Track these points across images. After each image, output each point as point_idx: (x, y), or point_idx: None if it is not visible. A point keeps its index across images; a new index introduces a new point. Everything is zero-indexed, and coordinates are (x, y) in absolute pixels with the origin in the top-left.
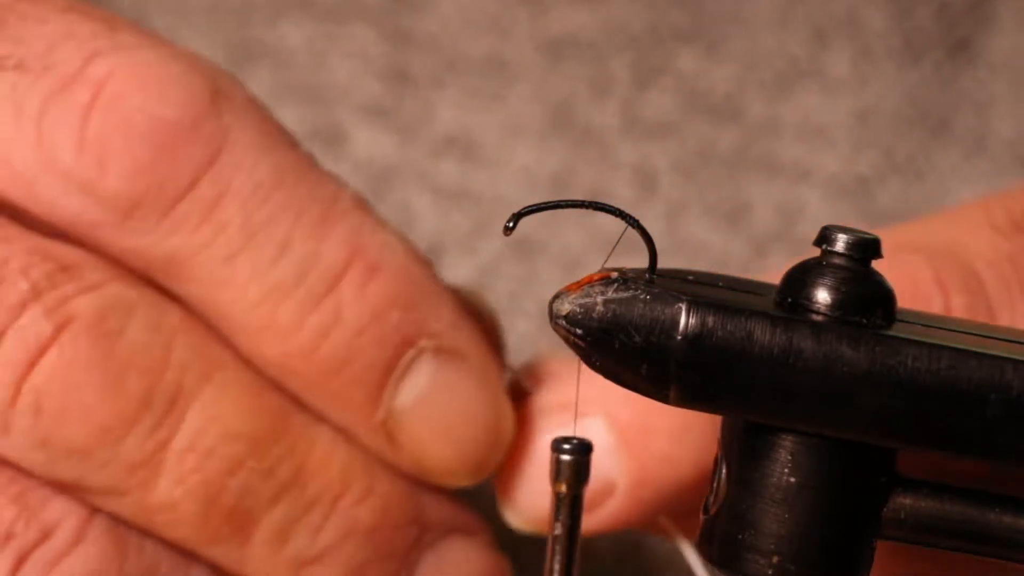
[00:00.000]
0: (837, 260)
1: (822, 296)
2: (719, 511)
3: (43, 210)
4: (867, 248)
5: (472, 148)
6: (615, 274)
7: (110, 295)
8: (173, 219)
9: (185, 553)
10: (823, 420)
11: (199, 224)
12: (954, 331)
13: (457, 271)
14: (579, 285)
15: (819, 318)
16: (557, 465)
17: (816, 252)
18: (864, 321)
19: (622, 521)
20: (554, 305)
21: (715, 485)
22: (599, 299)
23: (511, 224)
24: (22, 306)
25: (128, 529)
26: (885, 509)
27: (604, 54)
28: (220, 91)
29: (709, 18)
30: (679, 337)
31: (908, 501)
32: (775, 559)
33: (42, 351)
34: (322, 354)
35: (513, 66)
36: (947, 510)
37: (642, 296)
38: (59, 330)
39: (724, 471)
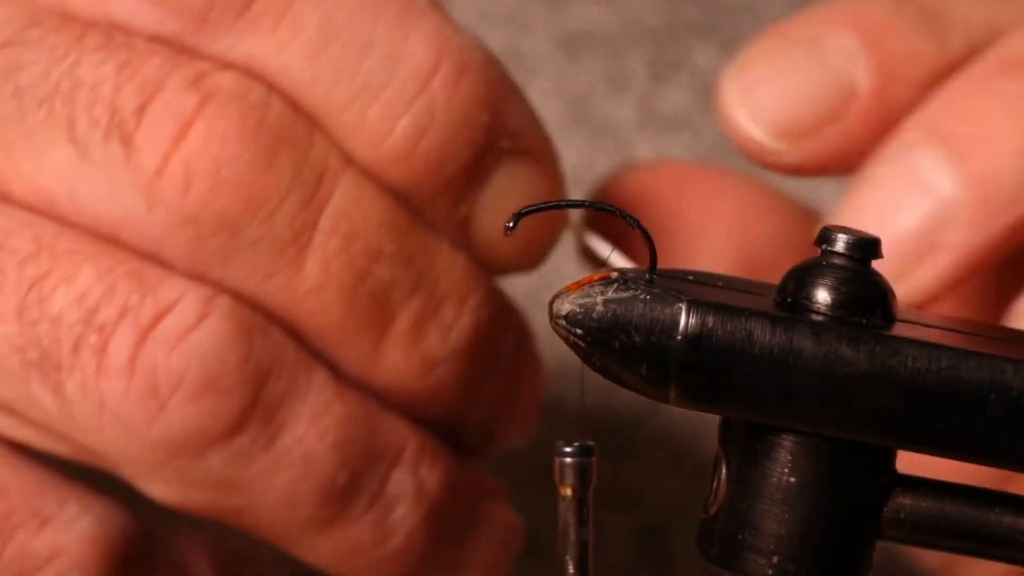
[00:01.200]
0: (837, 260)
1: (822, 296)
2: (719, 511)
3: (125, 23)
4: (867, 248)
5: None
6: (615, 274)
7: (243, 76)
8: (248, 20)
9: (310, 352)
10: (823, 420)
11: (275, 24)
12: (954, 331)
13: None
14: (579, 285)
15: (819, 318)
16: (561, 469)
17: (816, 252)
18: (864, 321)
19: (865, 129)
20: (554, 305)
21: (715, 485)
22: (599, 299)
23: (511, 224)
24: (161, 80)
25: (253, 312)
26: (885, 509)
27: (621, 49)
28: None
29: (724, 13)
30: (679, 337)
31: (908, 501)
32: (775, 559)
33: (189, 123)
34: (416, 158)
35: (531, 60)
36: (947, 510)
37: (642, 296)
38: (205, 101)
39: (724, 471)
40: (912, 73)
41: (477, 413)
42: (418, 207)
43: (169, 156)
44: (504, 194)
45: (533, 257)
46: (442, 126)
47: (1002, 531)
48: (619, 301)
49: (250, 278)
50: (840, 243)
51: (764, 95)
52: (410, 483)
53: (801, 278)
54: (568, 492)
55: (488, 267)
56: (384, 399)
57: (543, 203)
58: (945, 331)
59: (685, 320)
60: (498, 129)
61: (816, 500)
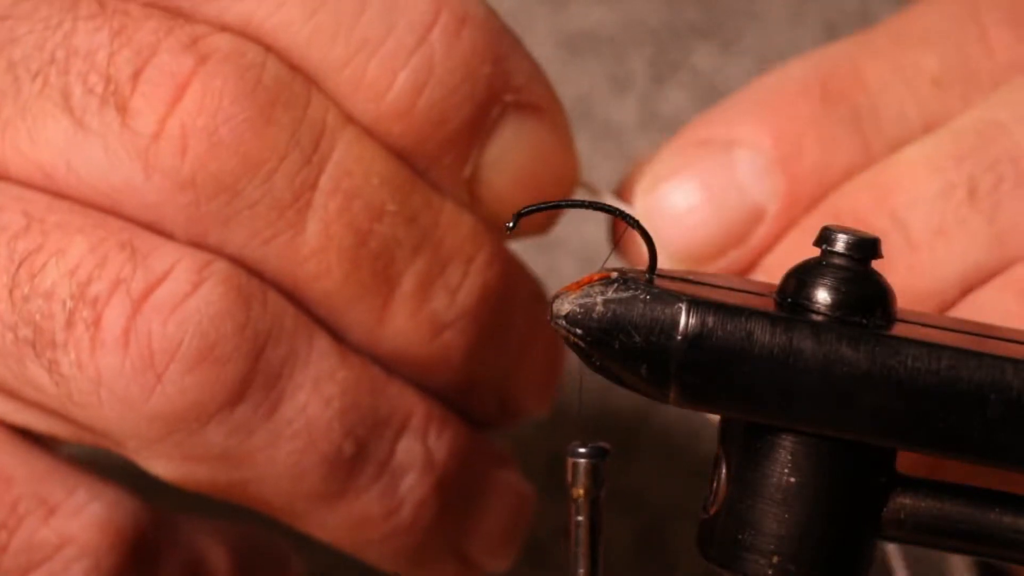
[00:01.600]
0: (837, 260)
1: (822, 296)
2: (719, 511)
3: None
4: (867, 248)
5: None
6: (615, 274)
7: (238, 37)
8: None
9: (312, 318)
10: (823, 420)
11: None
12: (954, 331)
13: None
14: (579, 285)
15: (819, 318)
16: (574, 470)
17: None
18: (864, 321)
19: (768, 247)
20: (554, 305)
21: (715, 485)
22: (599, 299)
23: (511, 224)
24: (156, 44)
25: (250, 278)
26: (885, 509)
27: (622, 50)
28: None
29: (724, 14)
30: (679, 337)
31: (908, 501)
32: (775, 559)
33: (185, 85)
34: (417, 113)
35: None
36: (947, 510)
37: (642, 296)
38: (200, 63)
39: (724, 470)
40: (827, 185)
41: (489, 379)
42: (421, 165)
43: (165, 119)
44: (510, 150)
45: (543, 218)
46: (442, 79)
47: (1002, 531)
48: (619, 301)
49: (250, 242)
50: (840, 243)
51: (670, 218)
52: (419, 451)
53: (801, 278)
54: (580, 493)
55: (497, 228)
56: (390, 366)
57: (543, 203)
58: (945, 331)
59: (685, 320)
60: (501, 82)
61: (816, 500)
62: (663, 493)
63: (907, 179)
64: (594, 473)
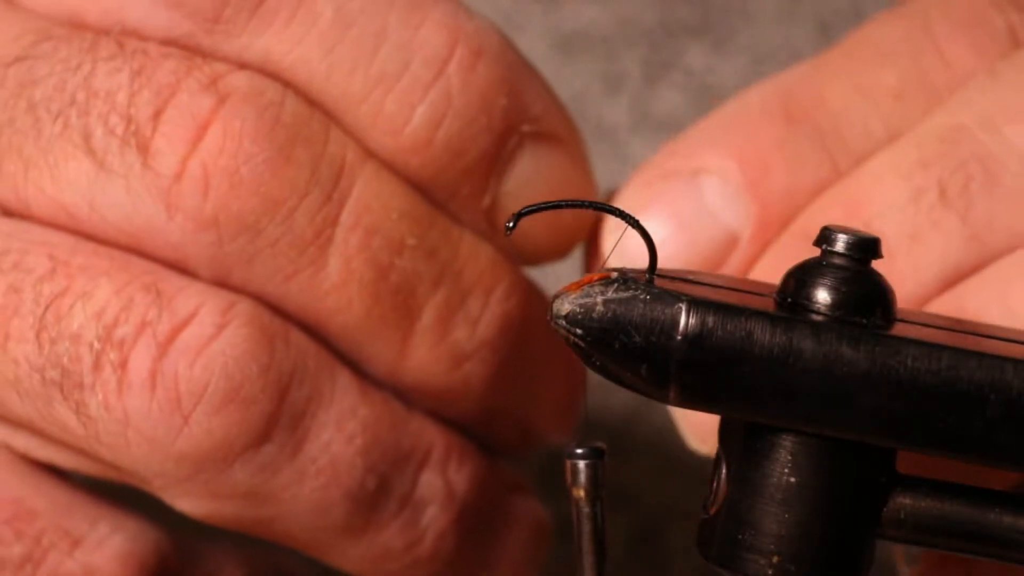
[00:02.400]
0: (837, 260)
1: (822, 296)
2: (719, 511)
3: (138, 29)
4: (867, 248)
5: None
6: (615, 274)
7: (257, 75)
8: (262, 16)
9: (334, 354)
10: (823, 420)
11: (289, 18)
12: (954, 331)
13: None
14: (579, 285)
15: (819, 318)
16: (573, 470)
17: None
18: (864, 321)
19: (745, 271)
20: (554, 305)
21: (715, 485)
22: (599, 299)
23: (511, 224)
24: (175, 84)
25: (273, 318)
26: (885, 509)
27: (615, 49)
28: None
29: (717, 13)
30: (679, 337)
31: (908, 501)
32: (775, 559)
33: (206, 125)
34: (435, 146)
35: None
36: (947, 510)
37: (642, 296)
38: (220, 102)
39: (724, 471)
40: (797, 205)
41: (510, 408)
42: (440, 197)
43: (187, 160)
44: (529, 180)
45: (563, 244)
46: (459, 111)
47: (1002, 531)
48: (619, 301)
49: (272, 279)
50: (840, 243)
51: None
52: (439, 484)
53: (801, 278)
54: (580, 493)
55: (519, 257)
56: (412, 399)
57: (543, 203)
58: (945, 331)
59: (685, 320)
60: (518, 113)
61: (816, 500)
62: (659, 492)
63: (876, 190)
64: (593, 473)
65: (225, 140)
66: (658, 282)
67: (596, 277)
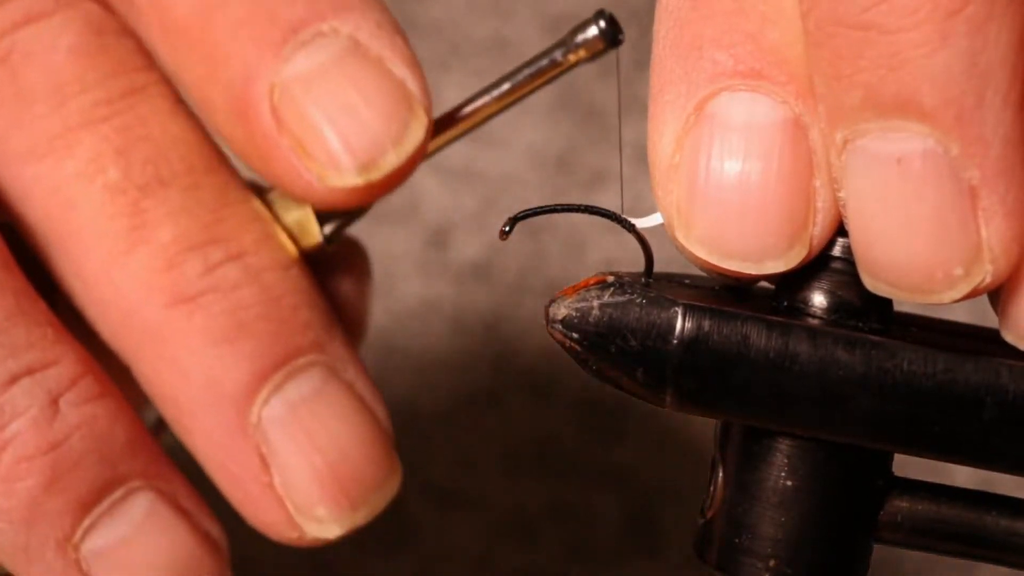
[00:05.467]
0: (833, 263)
1: (818, 300)
2: (715, 515)
3: None
4: None
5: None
6: (611, 278)
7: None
8: None
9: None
10: (819, 424)
11: None
12: (950, 334)
13: (466, 250)
14: (575, 289)
15: (815, 322)
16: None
17: None
18: (860, 324)
19: None
20: (550, 309)
21: (711, 489)
22: (595, 303)
23: (507, 228)
24: None
25: None
26: (882, 512)
27: None
28: None
29: None
30: (675, 341)
31: (905, 504)
32: (772, 563)
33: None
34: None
35: (516, 46)
36: (944, 513)
37: (638, 300)
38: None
39: (720, 474)
40: None
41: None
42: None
43: None
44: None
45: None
46: None
47: (999, 534)
48: (615, 305)
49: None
50: (836, 246)
51: None
52: (41, 400)
53: (797, 281)
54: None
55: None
56: (97, 312)
57: (539, 207)
58: (941, 334)
59: (681, 324)
60: None
61: (813, 503)
62: (653, 471)
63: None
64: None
65: None
66: (654, 286)
67: (592, 281)
